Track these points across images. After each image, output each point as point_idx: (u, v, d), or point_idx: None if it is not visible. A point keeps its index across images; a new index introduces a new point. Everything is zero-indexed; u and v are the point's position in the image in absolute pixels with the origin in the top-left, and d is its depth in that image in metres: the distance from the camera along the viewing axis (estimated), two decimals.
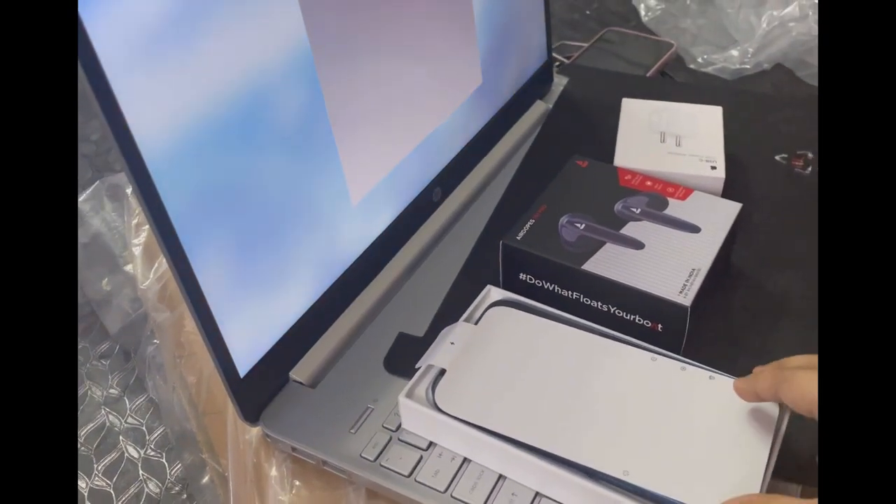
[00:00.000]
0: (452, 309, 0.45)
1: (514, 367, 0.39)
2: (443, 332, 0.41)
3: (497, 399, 0.37)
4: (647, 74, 0.76)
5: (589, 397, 0.37)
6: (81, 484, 0.47)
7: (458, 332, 0.40)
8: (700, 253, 0.43)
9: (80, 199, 0.55)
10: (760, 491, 0.33)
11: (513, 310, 0.42)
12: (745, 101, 0.63)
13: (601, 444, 0.35)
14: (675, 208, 0.46)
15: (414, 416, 0.38)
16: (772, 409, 0.36)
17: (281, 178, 0.38)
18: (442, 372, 0.38)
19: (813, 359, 0.34)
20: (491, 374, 0.38)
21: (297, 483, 0.38)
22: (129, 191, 0.53)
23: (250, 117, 0.35)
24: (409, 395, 0.38)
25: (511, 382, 0.38)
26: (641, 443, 0.35)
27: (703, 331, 0.43)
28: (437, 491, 0.36)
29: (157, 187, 0.31)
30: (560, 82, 0.67)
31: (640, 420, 0.36)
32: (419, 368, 0.39)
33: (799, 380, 0.32)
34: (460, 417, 0.36)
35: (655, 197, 0.47)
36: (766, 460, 0.34)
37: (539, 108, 0.64)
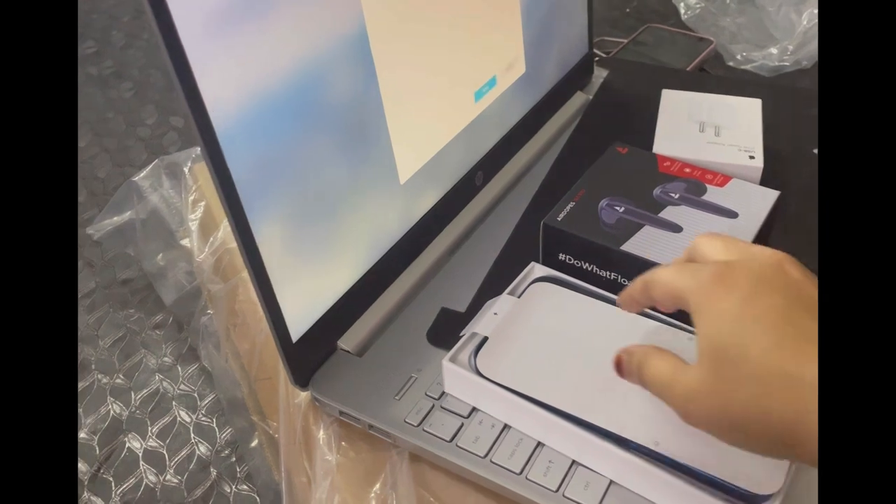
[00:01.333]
0: (493, 286, 0.47)
1: (554, 339, 0.40)
2: (487, 303, 0.42)
3: (535, 368, 0.39)
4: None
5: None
6: (136, 445, 0.50)
7: (501, 304, 0.42)
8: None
9: (139, 176, 0.57)
10: (789, 470, 0.34)
11: (555, 286, 0.43)
12: (783, 96, 0.63)
13: (634, 416, 0.36)
14: (713, 194, 0.47)
15: (456, 380, 0.39)
16: None
17: (336, 153, 0.40)
18: (484, 340, 0.40)
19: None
20: (531, 344, 0.40)
21: (344, 444, 0.40)
22: (186, 169, 0.56)
23: (309, 93, 0.38)
24: (453, 360, 0.39)
25: (550, 353, 0.40)
26: (672, 416, 0.36)
27: None
28: (478, 456, 0.38)
29: (225, 155, 0.34)
30: (600, 74, 0.69)
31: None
32: (463, 336, 0.41)
33: (660, 274, 0.32)
34: (500, 382, 0.38)
35: (694, 183, 0.48)
36: None
37: (579, 99, 0.65)
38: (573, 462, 0.37)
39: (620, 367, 0.34)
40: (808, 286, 0.29)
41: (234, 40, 0.33)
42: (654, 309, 0.41)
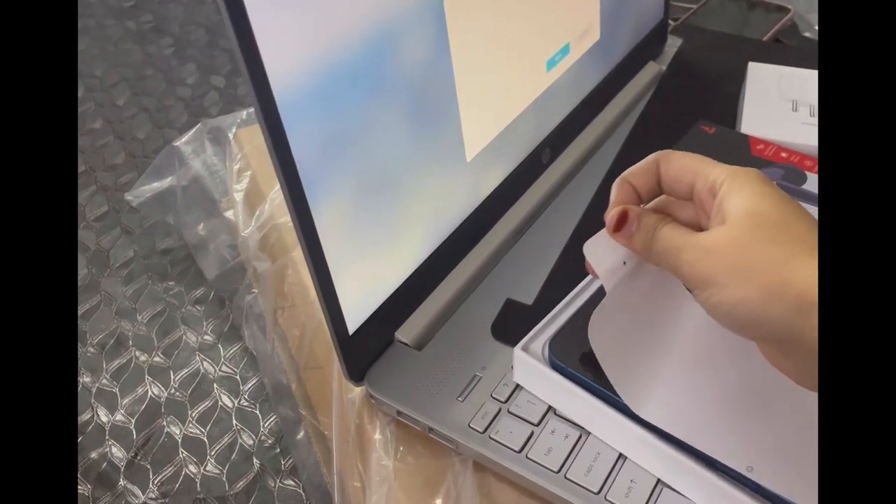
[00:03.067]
0: (562, 275, 0.42)
1: (648, 334, 0.36)
2: (574, 290, 0.38)
3: (622, 363, 0.35)
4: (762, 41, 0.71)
5: (723, 381, 0.34)
6: (175, 430, 0.47)
7: (584, 289, 0.38)
8: None
9: (181, 141, 0.54)
10: None
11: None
12: None
13: (728, 435, 0.32)
14: (814, 183, 0.42)
15: (528, 372, 0.36)
16: None
17: (402, 127, 0.36)
18: (564, 327, 0.36)
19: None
20: (620, 336, 0.36)
21: (402, 449, 0.36)
22: (230, 135, 0.52)
23: (379, 61, 0.33)
24: (525, 349, 0.36)
25: (640, 350, 0.35)
26: (772, 439, 0.32)
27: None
28: (551, 470, 0.34)
29: (286, 128, 0.30)
30: (673, 44, 0.63)
31: (774, 416, 0.33)
32: (543, 321, 0.37)
33: (677, 154, 0.32)
34: (578, 374, 0.34)
35: (792, 170, 0.43)
36: None
37: (652, 70, 0.60)
38: (658, 482, 0.34)
39: (625, 219, 0.31)
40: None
41: (300, 3, 0.29)
42: None
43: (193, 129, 0.54)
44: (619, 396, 0.33)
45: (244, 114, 0.55)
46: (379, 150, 0.35)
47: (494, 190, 0.45)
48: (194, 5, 0.94)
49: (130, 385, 0.49)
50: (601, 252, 0.33)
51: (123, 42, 0.89)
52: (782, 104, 0.51)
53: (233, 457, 0.45)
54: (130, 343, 0.52)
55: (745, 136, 0.46)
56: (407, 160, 0.37)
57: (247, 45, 0.27)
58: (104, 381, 0.50)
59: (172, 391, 0.49)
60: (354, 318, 0.37)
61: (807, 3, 0.89)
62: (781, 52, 0.64)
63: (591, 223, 0.47)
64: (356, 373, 0.38)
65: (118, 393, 0.49)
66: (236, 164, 0.51)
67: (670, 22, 0.75)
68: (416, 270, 0.40)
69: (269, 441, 0.46)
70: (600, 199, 0.48)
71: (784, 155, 0.44)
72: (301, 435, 0.43)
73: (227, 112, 0.67)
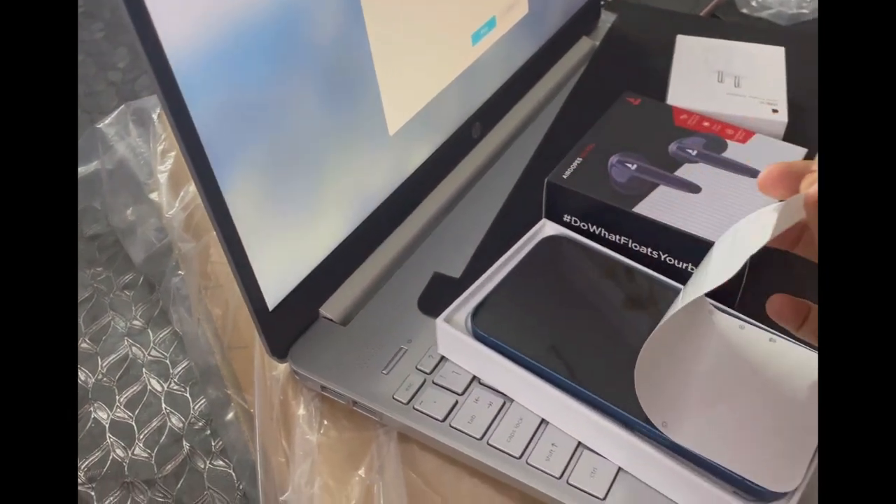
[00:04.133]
0: (491, 249, 0.43)
1: (562, 303, 0.37)
2: (496, 263, 0.38)
3: (538, 332, 0.35)
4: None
5: (637, 344, 0.35)
6: (103, 415, 0.46)
7: (506, 262, 0.38)
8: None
9: (105, 123, 0.52)
10: (808, 468, 0.31)
11: (567, 245, 0.39)
12: (806, 44, 0.59)
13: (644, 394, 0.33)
14: (734, 151, 0.43)
15: (451, 342, 0.36)
16: None
17: (316, 99, 0.35)
18: (485, 300, 0.36)
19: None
20: (536, 307, 0.36)
21: (326, 423, 0.36)
22: (155, 116, 0.51)
23: (288, 29, 0.33)
24: (448, 320, 0.36)
25: (556, 318, 0.36)
26: (686, 397, 0.33)
27: (761, 284, 0.40)
28: (473, 437, 0.34)
29: (187, 101, 0.29)
30: (607, 19, 0.64)
31: (688, 374, 0.34)
32: (463, 294, 0.37)
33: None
34: (500, 343, 0.34)
35: (713, 139, 0.44)
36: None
37: (585, 45, 0.60)
38: (579, 445, 0.34)
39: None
40: None
41: None
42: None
43: (116, 111, 0.52)
44: (535, 363, 0.34)
45: None
46: (292, 123, 0.34)
47: (422, 164, 0.45)
48: None
49: None
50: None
51: None
52: (708, 75, 0.52)
53: (162, 440, 0.44)
54: None
55: (669, 107, 0.47)
56: (322, 133, 0.36)
57: (137, 13, 0.27)
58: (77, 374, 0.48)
59: (100, 377, 0.48)
60: (274, 294, 0.36)
61: None
62: (712, 26, 0.65)
63: (520, 198, 0.47)
64: (279, 349, 0.38)
65: None
66: (160, 144, 0.50)
67: None
68: (339, 246, 0.40)
69: (200, 423, 0.45)
70: (531, 172, 0.49)
71: (706, 124, 0.45)
72: (230, 416, 0.42)
73: None
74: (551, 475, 0.33)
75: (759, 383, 0.34)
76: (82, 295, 0.53)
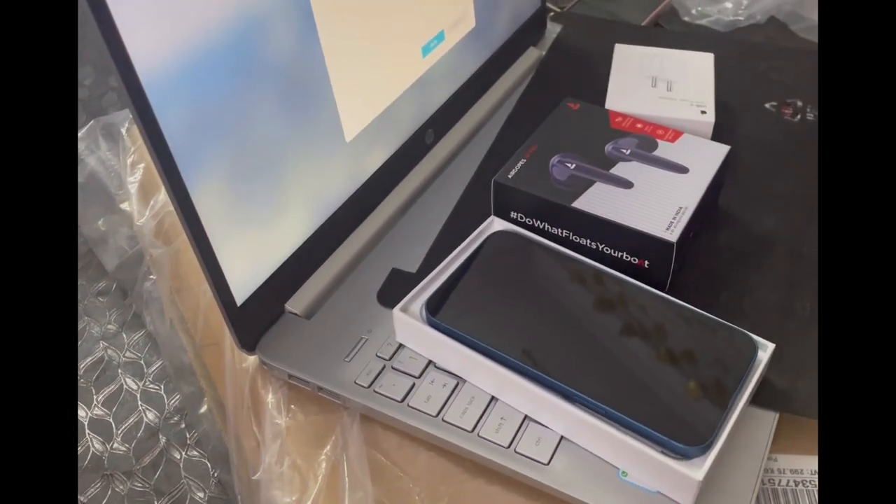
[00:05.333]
0: (445, 246, 0.46)
1: (509, 291, 0.40)
2: (448, 257, 0.42)
3: (487, 318, 0.39)
4: (641, 25, 0.76)
5: (574, 325, 0.38)
6: (81, 413, 0.48)
7: (458, 255, 0.41)
8: (687, 192, 0.44)
9: None
10: (719, 424, 0.34)
11: (514, 239, 0.43)
12: (736, 50, 0.63)
13: (582, 369, 0.36)
14: (664, 150, 0.47)
15: (407, 330, 0.39)
16: (751, 346, 0.37)
17: (275, 109, 0.39)
18: (438, 290, 0.40)
19: None
20: (485, 295, 0.40)
21: (293, 407, 0.39)
22: (123, 130, 0.54)
23: (244, 46, 0.36)
24: (404, 310, 0.39)
25: (503, 305, 0.39)
26: (618, 371, 0.37)
27: (689, 269, 0.44)
28: (429, 415, 0.38)
29: (156, 113, 0.32)
30: (553, 30, 0.68)
31: (625, 352, 0.37)
32: (417, 285, 0.40)
33: None
34: (452, 329, 0.38)
35: (645, 138, 0.48)
36: (734, 395, 0.35)
37: (532, 55, 0.64)
38: (525, 418, 0.37)
39: None
40: None
41: None
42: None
43: (86, 127, 0.55)
44: (484, 346, 0.37)
45: None
46: (254, 131, 0.38)
47: (379, 168, 0.48)
48: (88, 10, 0.94)
49: None
50: None
51: None
52: (643, 81, 0.56)
53: (139, 434, 0.46)
54: None
55: (606, 111, 0.50)
56: (282, 141, 0.39)
57: (108, 28, 0.29)
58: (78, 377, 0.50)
59: (78, 378, 0.50)
60: (242, 291, 0.39)
61: None
62: (650, 34, 0.69)
63: (471, 198, 0.50)
64: (248, 343, 0.40)
65: None
66: (130, 157, 0.52)
67: (557, 9, 0.79)
68: (302, 245, 0.43)
69: (175, 417, 0.48)
70: (481, 174, 0.52)
71: (639, 126, 0.49)
72: (203, 409, 0.45)
73: (125, 110, 0.68)
74: (500, 445, 0.36)
75: (677, 352, 0.37)
76: None
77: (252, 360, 0.41)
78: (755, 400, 0.37)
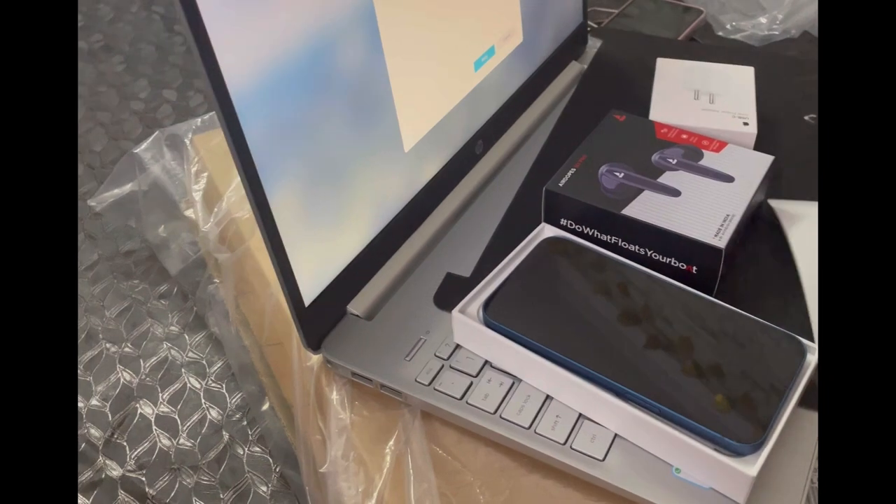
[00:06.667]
0: (497, 251, 0.48)
1: (561, 294, 0.42)
2: (502, 262, 0.44)
3: (542, 320, 0.40)
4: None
5: (624, 324, 0.40)
6: (148, 410, 0.51)
7: (511, 261, 0.43)
8: (734, 200, 0.46)
9: (140, 148, 0.58)
10: (771, 424, 0.35)
11: (565, 244, 0.44)
12: (775, 64, 0.65)
13: (635, 369, 0.38)
14: (710, 160, 0.49)
15: (465, 330, 0.41)
16: (800, 348, 0.39)
17: (344, 121, 0.41)
18: (495, 293, 0.42)
19: None
20: (539, 298, 0.41)
21: (357, 404, 0.41)
22: (187, 141, 0.56)
23: (319, 62, 0.38)
24: (462, 311, 0.41)
25: (557, 307, 0.41)
26: (670, 370, 0.38)
27: (735, 275, 0.46)
28: (487, 412, 0.39)
29: (241, 121, 0.34)
30: (594, 45, 0.70)
31: (676, 351, 0.39)
32: (475, 288, 0.42)
33: None
34: (508, 330, 0.39)
35: (691, 149, 0.50)
36: (784, 395, 0.37)
37: (574, 69, 0.66)
38: (580, 416, 0.39)
39: None
40: None
41: (249, 7, 0.34)
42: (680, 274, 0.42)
43: (151, 137, 0.58)
44: (541, 346, 0.39)
45: (198, 121, 0.59)
46: (324, 141, 0.40)
47: (433, 177, 0.50)
48: (141, 24, 0.98)
49: (103, 373, 0.52)
50: None
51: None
52: (686, 93, 0.57)
53: (203, 430, 0.49)
54: (101, 336, 0.55)
55: (651, 122, 0.52)
56: (350, 150, 0.42)
57: (206, 52, 0.32)
58: (78, 371, 0.53)
59: (143, 377, 0.53)
60: (309, 292, 0.41)
61: (720, 5, 0.97)
62: (689, 49, 0.70)
63: (520, 206, 0.52)
64: (313, 342, 0.42)
65: (92, 381, 0.52)
66: (194, 166, 0.55)
67: (594, 25, 0.81)
68: (363, 249, 0.45)
69: (237, 415, 0.50)
70: (529, 182, 0.54)
71: (684, 137, 0.51)
72: (266, 406, 0.47)
73: (179, 122, 0.71)
74: (556, 442, 0.38)
75: (729, 355, 0.39)
76: (122, 305, 0.58)
77: (316, 359, 0.43)
78: (804, 402, 0.39)
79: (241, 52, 0.34)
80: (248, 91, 0.34)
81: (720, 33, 0.94)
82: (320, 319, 0.43)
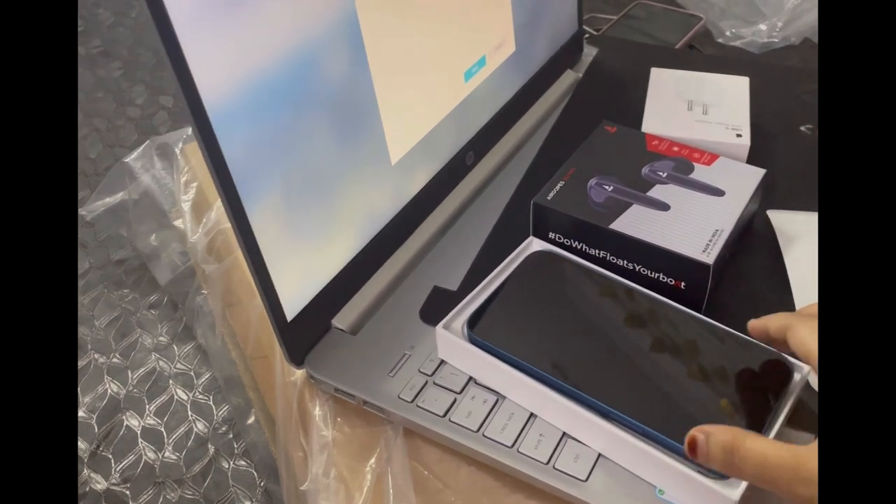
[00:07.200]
0: (484, 265, 0.47)
1: (548, 310, 0.41)
2: (488, 277, 0.43)
3: (528, 336, 0.40)
4: (676, 47, 0.77)
5: (613, 344, 0.40)
6: (134, 422, 0.50)
7: (498, 275, 0.43)
8: (723, 215, 0.45)
9: (131, 157, 0.57)
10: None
11: (552, 259, 0.44)
12: (771, 73, 0.64)
13: (620, 388, 0.37)
14: (700, 173, 0.48)
15: (449, 347, 0.41)
16: (786, 369, 0.38)
17: (327, 134, 0.40)
18: (479, 309, 0.41)
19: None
20: (525, 314, 0.41)
21: (339, 420, 0.41)
22: (177, 150, 0.56)
23: (300, 75, 0.38)
24: (446, 327, 0.40)
25: (543, 324, 0.40)
26: (655, 390, 0.37)
27: (725, 290, 0.45)
28: (470, 430, 0.39)
29: (218, 136, 0.34)
30: (590, 53, 0.69)
31: (661, 370, 0.38)
32: (460, 304, 0.41)
33: (800, 328, 0.34)
34: (493, 347, 0.39)
35: (681, 161, 0.49)
36: (770, 416, 0.36)
37: (569, 78, 0.65)
38: (563, 435, 0.38)
39: (695, 447, 0.33)
40: None
41: (225, 22, 0.33)
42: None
43: (142, 146, 0.58)
44: (525, 363, 0.38)
45: (190, 130, 0.59)
46: (307, 155, 0.39)
47: (422, 189, 0.50)
48: (141, 29, 0.98)
49: (91, 384, 0.52)
50: None
51: None
52: (679, 104, 0.57)
53: (189, 444, 0.48)
54: (90, 346, 0.55)
55: (643, 134, 0.52)
56: (334, 164, 0.41)
57: (178, 63, 0.32)
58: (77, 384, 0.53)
59: (131, 388, 0.52)
60: (292, 307, 0.41)
61: (720, 11, 0.97)
62: (685, 58, 0.70)
63: (510, 219, 0.52)
64: (296, 357, 0.42)
65: (80, 392, 0.52)
66: (183, 176, 0.55)
67: (593, 31, 0.81)
68: (349, 263, 0.44)
69: (223, 428, 0.49)
70: (519, 195, 0.53)
71: (676, 149, 0.50)
72: (252, 420, 0.46)
73: (176, 129, 0.71)
74: (539, 461, 0.37)
75: (717, 375, 0.38)
76: (112, 314, 0.58)
77: (300, 373, 0.43)
78: (791, 422, 0.38)
79: (216, 67, 0.33)
80: (225, 105, 0.34)
81: (720, 40, 0.93)
82: (304, 334, 0.42)
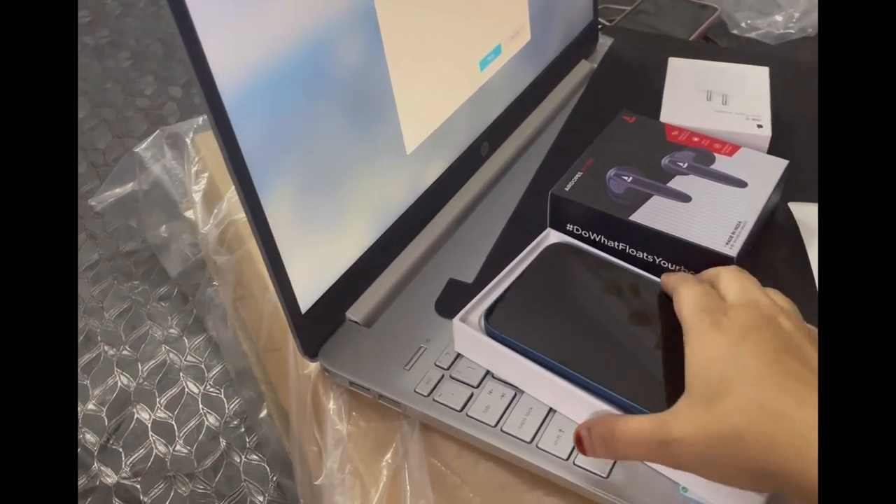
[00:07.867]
0: (500, 256, 0.46)
1: (566, 303, 0.40)
2: (505, 269, 0.42)
3: (545, 329, 0.39)
4: (690, 39, 0.76)
5: (632, 336, 0.39)
6: (145, 415, 0.50)
7: (515, 267, 0.42)
8: (746, 206, 0.44)
9: (141, 147, 0.57)
10: None
11: (570, 251, 0.43)
12: (789, 64, 0.63)
13: (641, 382, 0.36)
14: (721, 163, 0.47)
15: (465, 340, 0.40)
16: None
17: (342, 123, 0.40)
18: (496, 301, 0.40)
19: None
20: (543, 306, 0.40)
21: (354, 415, 0.40)
22: (188, 140, 0.55)
23: (316, 63, 0.37)
24: (463, 320, 0.39)
25: (561, 316, 0.40)
26: (677, 384, 0.36)
27: None
28: (488, 425, 0.38)
29: (233, 125, 0.33)
30: (605, 43, 0.68)
31: (681, 363, 0.37)
32: (477, 296, 0.41)
33: (682, 291, 0.35)
34: (510, 340, 0.38)
35: (702, 152, 0.48)
36: None
37: (584, 68, 0.64)
38: None
39: (581, 444, 0.34)
40: (797, 336, 0.32)
41: (241, 7, 0.33)
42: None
43: (152, 136, 0.57)
44: (543, 356, 0.37)
45: (200, 120, 0.58)
46: (322, 144, 0.39)
47: (437, 180, 0.49)
48: (150, 19, 0.97)
49: (101, 377, 0.52)
50: None
51: (82, 57, 0.91)
52: (698, 94, 0.56)
53: (200, 437, 0.48)
54: (99, 339, 0.54)
55: (662, 124, 0.51)
56: (348, 153, 0.40)
57: (195, 52, 0.31)
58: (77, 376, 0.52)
59: (141, 381, 0.52)
60: (306, 299, 0.40)
61: (734, 2, 0.95)
62: (701, 48, 0.69)
63: (526, 210, 0.51)
64: (310, 349, 0.41)
65: (89, 385, 0.52)
66: (194, 166, 0.54)
67: (606, 22, 0.79)
68: (363, 255, 0.44)
69: (235, 422, 0.49)
70: (536, 186, 0.53)
71: (696, 139, 0.49)
72: (264, 413, 0.46)
73: (185, 120, 0.70)
74: (559, 457, 0.37)
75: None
76: (122, 306, 0.57)
77: (314, 366, 0.42)
78: None
79: (232, 52, 0.32)
80: (240, 92, 0.33)
81: (735, 31, 0.92)
82: (318, 326, 0.42)
